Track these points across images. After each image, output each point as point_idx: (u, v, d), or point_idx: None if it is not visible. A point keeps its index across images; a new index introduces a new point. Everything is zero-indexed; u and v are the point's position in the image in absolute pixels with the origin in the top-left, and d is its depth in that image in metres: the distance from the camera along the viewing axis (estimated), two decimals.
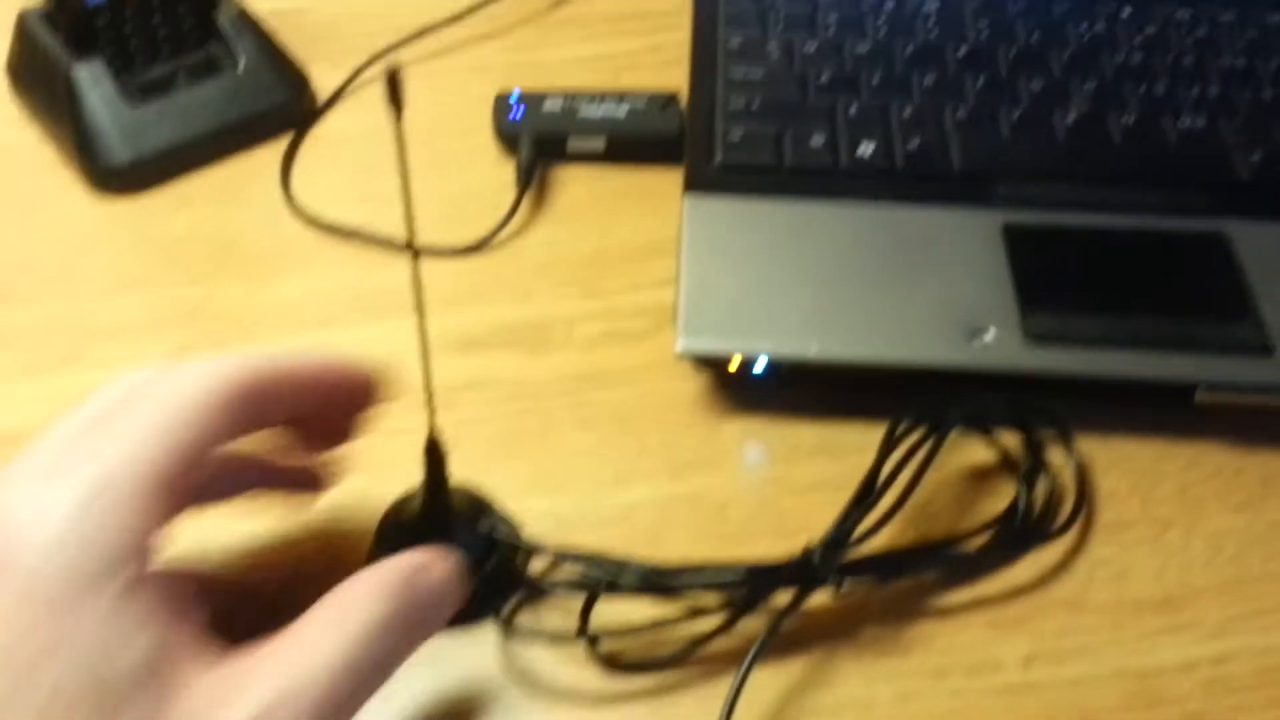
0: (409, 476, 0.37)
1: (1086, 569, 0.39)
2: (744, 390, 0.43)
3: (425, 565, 0.31)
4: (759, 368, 0.42)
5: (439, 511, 0.36)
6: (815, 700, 0.35)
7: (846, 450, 0.42)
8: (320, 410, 0.34)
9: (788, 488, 0.41)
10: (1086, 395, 0.42)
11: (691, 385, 0.44)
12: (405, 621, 0.29)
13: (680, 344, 0.42)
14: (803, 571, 0.36)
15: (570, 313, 0.47)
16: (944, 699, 0.35)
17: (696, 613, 0.36)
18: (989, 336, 0.42)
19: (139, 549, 0.26)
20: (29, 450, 0.29)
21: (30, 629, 0.24)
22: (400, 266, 0.48)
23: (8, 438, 0.41)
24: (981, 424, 0.41)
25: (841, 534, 0.36)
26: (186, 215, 0.50)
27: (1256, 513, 0.40)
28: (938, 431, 0.38)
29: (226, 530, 0.38)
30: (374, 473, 0.38)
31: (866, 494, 0.37)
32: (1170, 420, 0.42)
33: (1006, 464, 0.41)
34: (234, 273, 0.48)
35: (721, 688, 0.34)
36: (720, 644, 0.36)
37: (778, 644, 0.37)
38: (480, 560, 0.36)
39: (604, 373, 0.45)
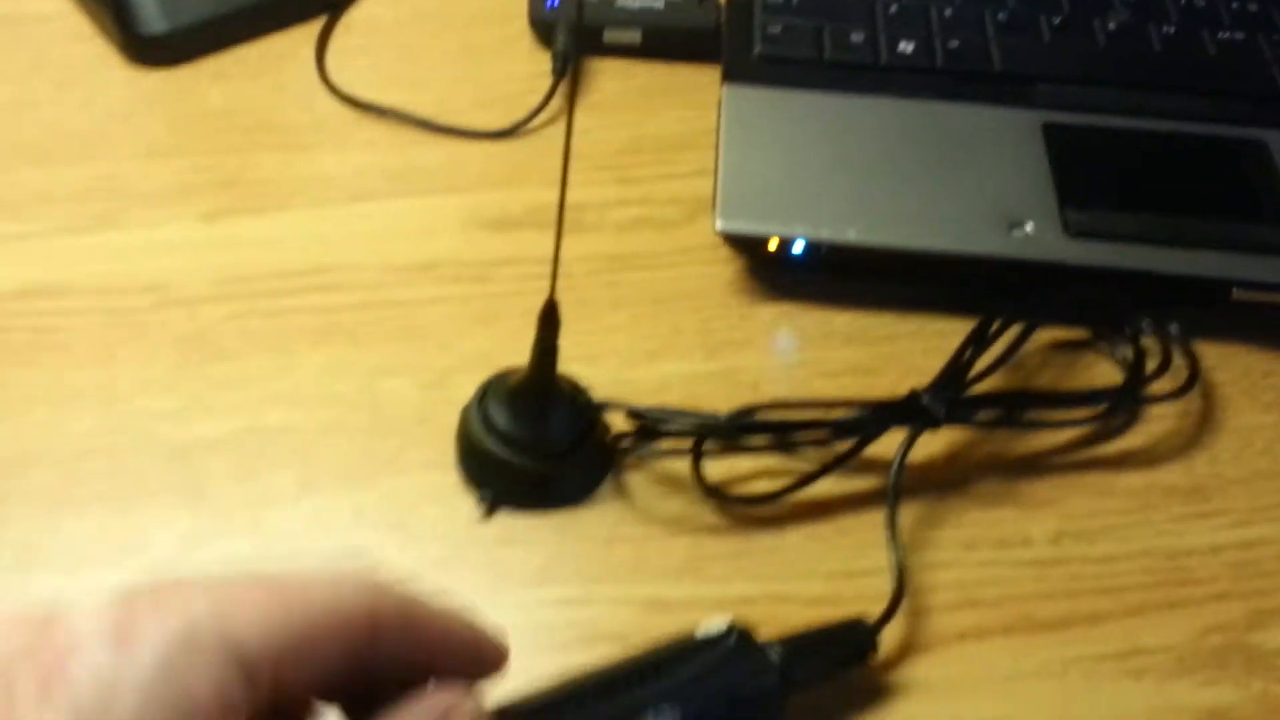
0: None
1: (1116, 456, 0.39)
2: (779, 276, 0.43)
3: (448, 708, 0.27)
4: (797, 249, 0.42)
5: (546, 379, 0.36)
6: (844, 564, 0.36)
7: (878, 339, 0.42)
8: (423, 671, 0.28)
9: (820, 370, 0.41)
10: (1123, 292, 0.42)
11: (725, 270, 0.44)
12: None
13: (719, 224, 0.42)
14: (914, 409, 0.36)
15: (603, 198, 0.46)
16: (973, 569, 0.36)
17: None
18: (1028, 229, 0.42)
19: (223, 715, 0.23)
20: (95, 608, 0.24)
21: None
22: (432, 146, 0.48)
23: (49, 291, 0.42)
24: (1072, 314, 0.42)
25: (952, 375, 0.37)
26: (222, 89, 0.50)
27: None
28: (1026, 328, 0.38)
29: None
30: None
31: (977, 339, 0.37)
32: (1201, 321, 0.42)
33: (1096, 347, 0.42)
34: (269, 145, 0.47)
35: (826, 522, 0.36)
36: (822, 485, 0.37)
37: (807, 506, 0.37)
38: (584, 430, 0.36)
39: (637, 255, 0.45)
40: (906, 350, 0.42)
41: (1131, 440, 0.39)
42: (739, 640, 0.31)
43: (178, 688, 0.22)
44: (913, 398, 0.37)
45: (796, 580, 0.35)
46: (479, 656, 0.28)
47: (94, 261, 0.43)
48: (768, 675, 0.31)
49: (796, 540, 0.36)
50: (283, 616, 0.24)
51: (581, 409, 0.37)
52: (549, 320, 0.34)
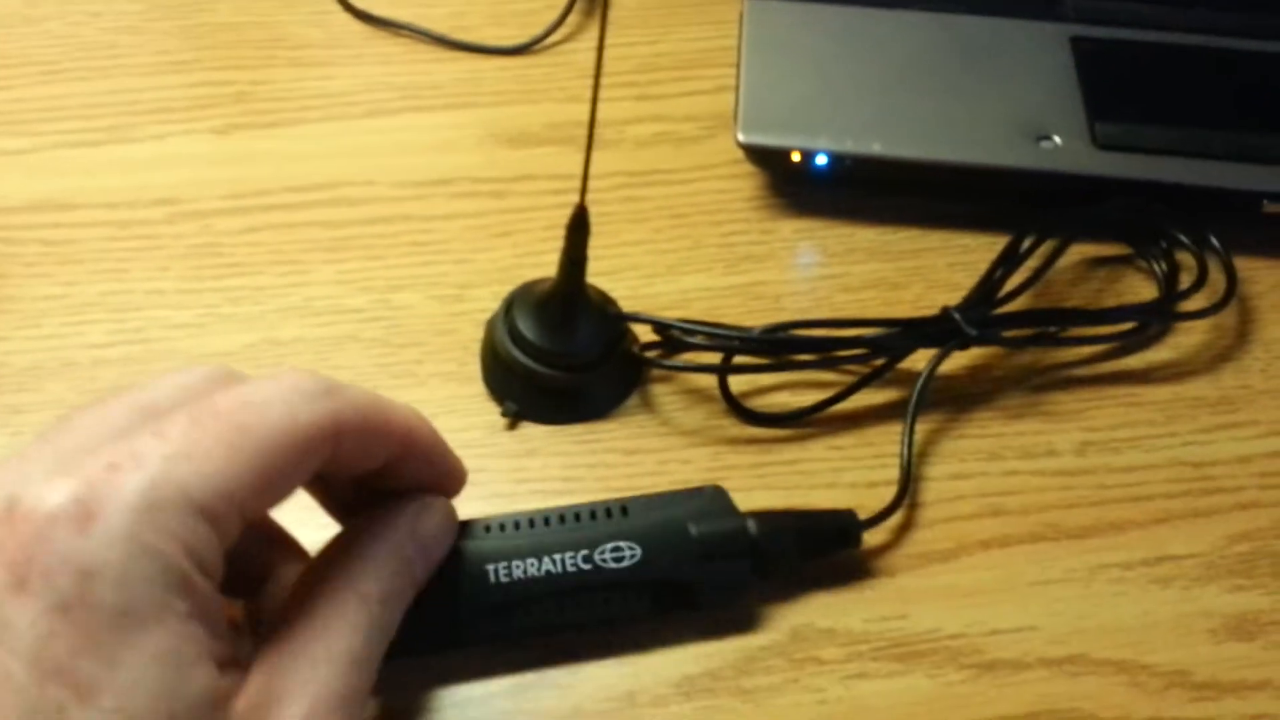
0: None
1: (1142, 369, 0.38)
2: (801, 191, 0.43)
3: (426, 505, 0.28)
4: (820, 162, 0.41)
5: (574, 288, 0.35)
6: (866, 475, 0.35)
7: (902, 254, 0.41)
8: (392, 476, 0.28)
9: (842, 285, 0.40)
10: (1156, 207, 0.41)
11: (746, 186, 0.43)
12: (412, 578, 0.27)
13: (741, 136, 0.41)
14: (947, 327, 0.36)
15: (622, 115, 0.46)
16: (998, 479, 0.35)
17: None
18: (1056, 141, 0.41)
19: (198, 576, 0.23)
20: (68, 428, 0.24)
21: (88, 647, 0.21)
22: (447, 62, 0.47)
23: (59, 205, 0.41)
24: (1107, 229, 0.41)
25: (985, 293, 0.37)
26: (232, 3, 0.49)
27: None
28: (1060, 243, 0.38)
29: None
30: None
31: (1009, 257, 0.37)
32: (1231, 235, 0.41)
33: (1132, 263, 0.41)
34: (281, 60, 0.47)
35: (848, 435, 0.36)
36: (858, 401, 0.37)
37: (830, 419, 0.37)
38: (612, 342, 0.36)
39: (657, 171, 0.44)
40: (931, 265, 0.41)
41: (1158, 353, 0.39)
42: (715, 496, 0.31)
43: (149, 555, 0.22)
44: (946, 315, 0.36)
45: (817, 491, 0.35)
46: (441, 470, 0.29)
47: (104, 175, 0.42)
48: (739, 537, 0.31)
49: (819, 452, 0.36)
50: (240, 457, 0.23)
51: (609, 321, 0.36)
52: (579, 227, 0.34)
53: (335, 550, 0.27)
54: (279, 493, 0.25)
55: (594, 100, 0.31)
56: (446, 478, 0.29)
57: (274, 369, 0.27)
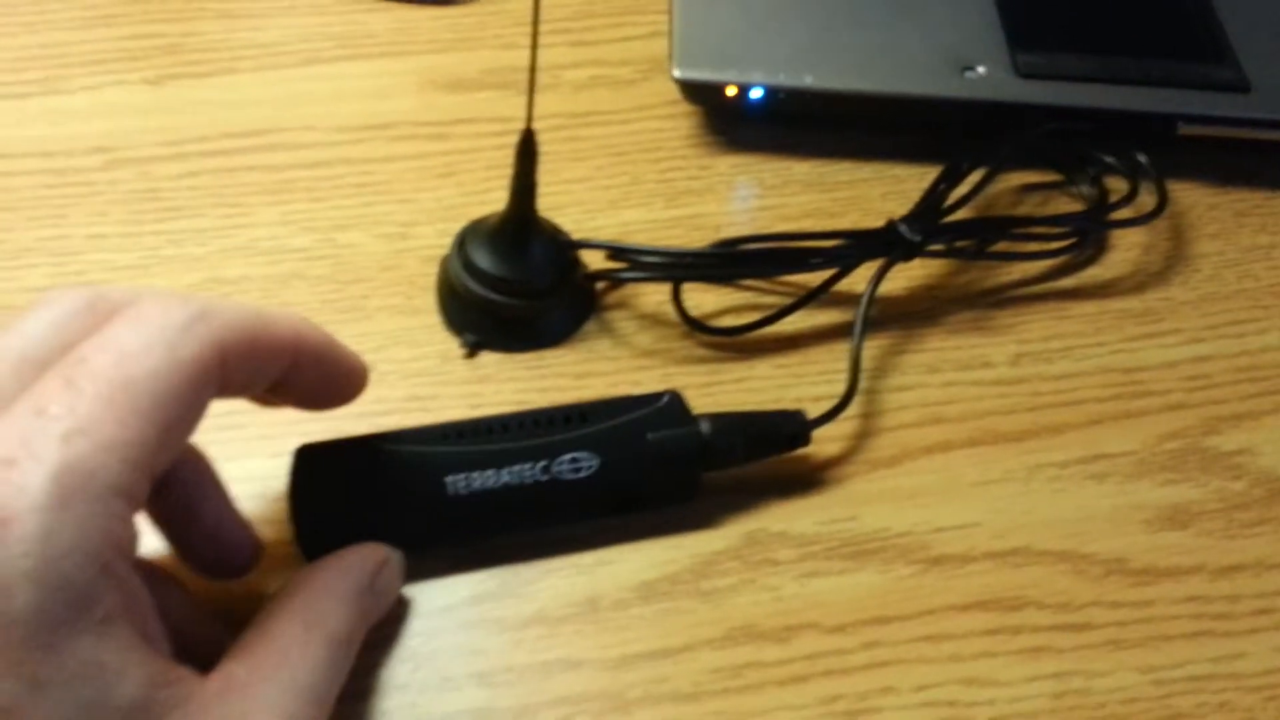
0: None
1: (1071, 287, 0.40)
2: (736, 128, 0.44)
3: (384, 561, 0.29)
4: (754, 95, 0.42)
5: (526, 215, 0.35)
6: (812, 390, 0.36)
7: (837, 184, 0.42)
8: (289, 387, 0.27)
9: (781, 215, 0.41)
10: (1081, 132, 0.42)
11: (683, 125, 0.44)
12: (366, 621, 0.28)
13: (676, 72, 0.42)
14: (892, 238, 0.37)
15: (558, 60, 0.46)
16: (937, 389, 0.37)
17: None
18: (980, 70, 0.42)
19: (119, 562, 0.22)
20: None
21: (8, 668, 0.20)
22: (380, 12, 0.47)
23: None
24: (1038, 156, 0.43)
25: (928, 206, 0.38)
26: None
27: (1229, 240, 0.42)
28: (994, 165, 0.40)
29: None
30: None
31: (950, 175, 0.38)
32: (1150, 159, 0.43)
33: (1063, 188, 0.43)
34: (211, 13, 0.46)
35: (794, 353, 0.37)
36: (790, 319, 0.38)
37: (776, 338, 0.37)
38: (565, 269, 0.36)
39: (595, 113, 0.44)
40: (865, 194, 0.42)
41: (1086, 271, 0.40)
42: (670, 402, 0.32)
43: (68, 557, 0.20)
44: (891, 227, 0.37)
45: (764, 406, 0.36)
46: (340, 372, 0.28)
47: (38, 125, 0.41)
48: (692, 439, 0.31)
49: (765, 370, 0.37)
50: (133, 419, 0.22)
51: (561, 247, 0.37)
52: (527, 151, 0.34)
53: (304, 584, 0.27)
54: (179, 438, 0.23)
55: (535, 12, 0.31)
56: (346, 380, 0.28)
57: (134, 287, 0.25)
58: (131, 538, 0.22)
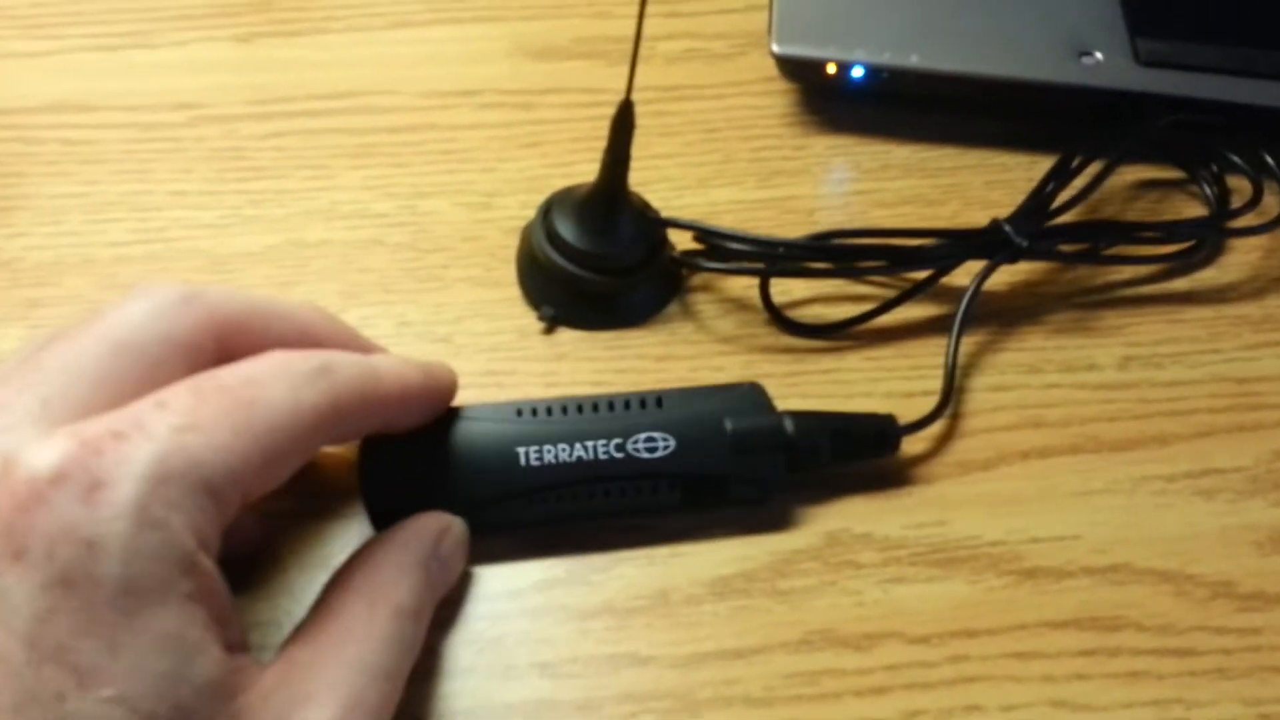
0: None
1: (1185, 289, 0.38)
2: (835, 107, 0.42)
3: (445, 529, 0.28)
4: (856, 74, 0.40)
5: (616, 189, 0.34)
6: (904, 386, 0.34)
7: (939, 171, 0.40)
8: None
9: (877, 201, 0.40)
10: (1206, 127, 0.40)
11: (779, 103, 0.42)
12: (434, 593, 0.27)
13: (775, 47, 0.40)
14: (996, 239, 0.35)
15: (651, 31, 0.45)
16: (1039, 391, 0.35)
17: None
18: (1098, 57, 0.40)
19: (203, 554, 0.22)
20: (37, 367, 0.23)
21: (89, 627, 0.20)
22: None
23: (80, 106, 0.40)
24: (1156, 150, 0.40)
25: (1035, 207, 0.36)
26: None
27: None
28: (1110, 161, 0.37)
29: None
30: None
31: (1060, 172, 0.36)
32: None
33: (1183, 186, 0.40)
34: None
35: (887, 346, 0.35)
36: (896, 313, 0.36)
37: (868, 330, 0.36)
38: (652, 247, 0.35)
39: (687, 86, 0.43)
40: (968, 183, 0.40)
41: (1202, 274, 0.38)
42: (752, 392, 0.30)
43: (157, 530, 0.21)
44: (995, 227, 0.35)
45: (854, 400, 0.34)
46: (428, 411, 0.29)
47: (125, 79, 0.41)
48: (775, 433, 0.30)
49: (855, 362, 0.35)
50: (247, 436, 0.22)
51: (650, 224, 0.35)
52: (624, 122, 0.33)
53: (365, 560, 0.26)
54: (278, 476, 0.24)
55: None
56: (437, 410, 0.29)
57: (228, 290, 0.26)
58: (216, 540, 0.22)
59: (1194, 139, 0.39)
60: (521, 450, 0.29)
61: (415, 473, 0.29)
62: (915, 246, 0.35)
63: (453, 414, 0.30)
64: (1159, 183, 0.40)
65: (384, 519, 0.28)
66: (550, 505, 0.29)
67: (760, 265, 0.35)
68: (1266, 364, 0.35)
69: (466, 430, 0.29)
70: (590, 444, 0.29)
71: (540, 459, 0.29)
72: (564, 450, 0.29)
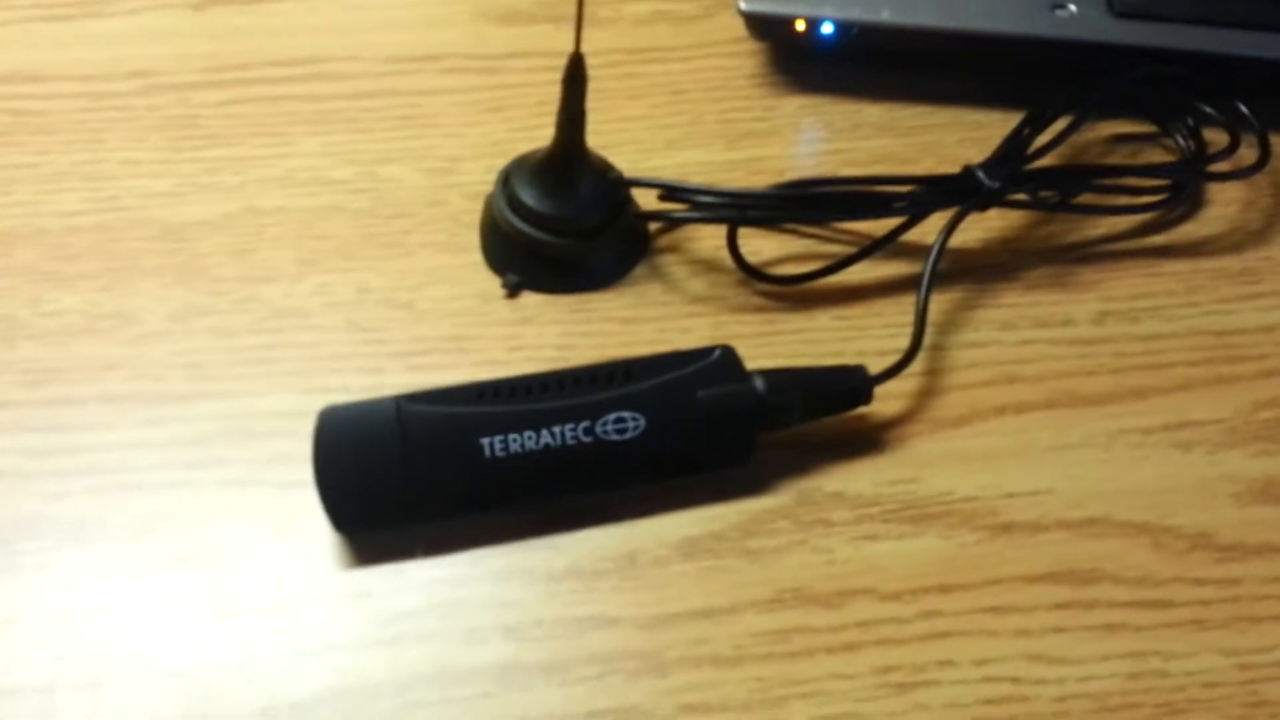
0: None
1: (1162, 239, 0.37)
2: (805, 67, 0.41)
3: None
4: (825, 30, 0.39)
5: (574, 148, 0.33)
6: (875, 344, 0.34)
7: (911, 129, 0.40)
8: None
9: (849, 160, 0.39)
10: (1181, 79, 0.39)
11: (747, 64, 0.42)
12: None
13: (743, 4, 0.39)
14: (968, 186, 0.34)
15: None
16: (1013, 347, 0.34)
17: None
18: (1071, 8, 0.39)
19: None
20: None
21: None
22: None
23: (30, 77, 0.39)
24: (1130, 103, 0.40)
25: (1009, 152, 0.35)
26: None
27: None
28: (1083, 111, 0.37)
29: None
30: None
31: (1036, 119, 0.35)
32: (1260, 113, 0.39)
33: (1158, 140, 0.39)
34: None
35: (857, 304, 0.35)
36: (865, 266, 0.35)
37: (838, 288, 0.35)
38: (615, 208, 0.34)
39: (654, 49, 0.42)
40: (941, 141, 0.39)
41: (1179, 227, 0.37)
42: (723, 357, 0.30)
43: None
44: (967, 173, 0.35)
45: (825, 359, 0.33)
46: None
47: (77, 48, 0.40)
48: (747, 396, 0.29)
49: (825, 321, 0.35)
50: None
51: (611, 185, 0.35)
52: (575, 78, 0.32)
53: None
54: None
55: None
56: None
57: None
58: None
59: (1168, 91, 0.39)
60: (485, 442, 0.28)
61: (371, 467, 0.28)
62: (886, 194, 0.34)
63: (409, 399, 0.28)
64: (1133, 136, 0.40)
65: (341, 515, 0.28)
66: (517, 494, 0.28)
67: (729, 213, 0.34)
68: (1244, 317, 0.35)
69: (425, 419, 0.28)
70: (558, 429, 0.28)
71: (506, 449, 0.28)
72: (530, 439, 0.28)
